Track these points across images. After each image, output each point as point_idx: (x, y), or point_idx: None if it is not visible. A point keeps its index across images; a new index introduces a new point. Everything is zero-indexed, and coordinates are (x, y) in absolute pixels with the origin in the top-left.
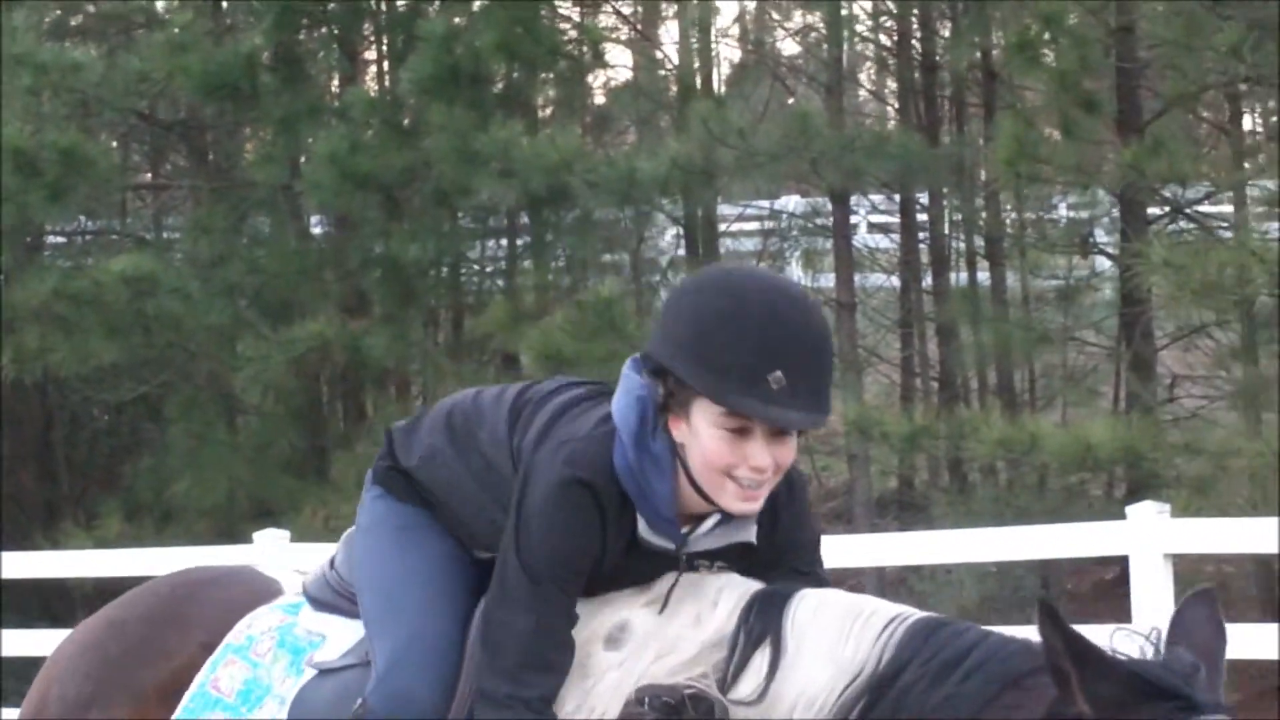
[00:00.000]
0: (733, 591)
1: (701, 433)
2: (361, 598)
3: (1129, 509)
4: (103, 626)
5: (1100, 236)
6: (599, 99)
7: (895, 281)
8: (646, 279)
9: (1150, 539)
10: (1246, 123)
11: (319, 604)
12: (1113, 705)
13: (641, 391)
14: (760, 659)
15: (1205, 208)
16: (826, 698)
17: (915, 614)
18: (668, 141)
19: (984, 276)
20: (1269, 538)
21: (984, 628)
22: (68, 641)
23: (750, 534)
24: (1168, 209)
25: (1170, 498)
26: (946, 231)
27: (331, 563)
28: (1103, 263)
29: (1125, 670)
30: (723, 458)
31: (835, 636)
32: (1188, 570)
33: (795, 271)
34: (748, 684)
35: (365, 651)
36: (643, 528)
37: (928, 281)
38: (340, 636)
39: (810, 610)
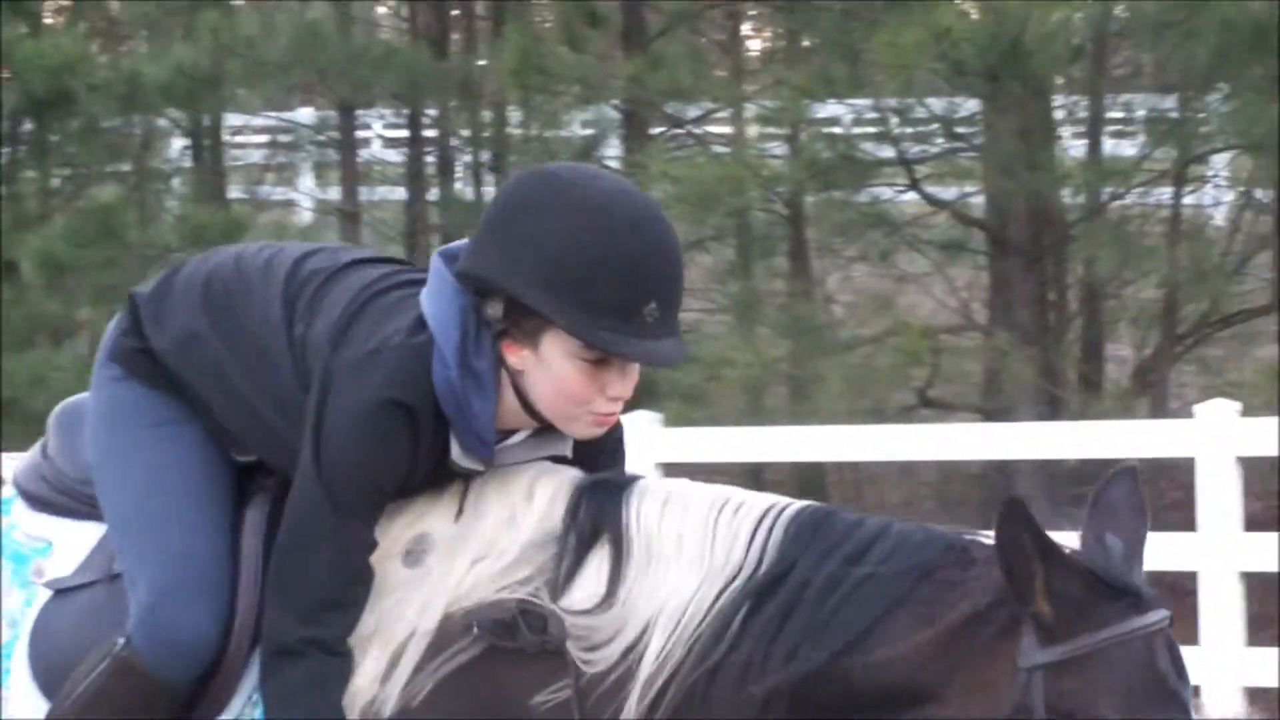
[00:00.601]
0: (549, 481)
1: (555, 365)
2: (107, 504)
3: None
4: None
5: (606, 151)
6: (112, 4)
7: (402, 193)
8: (151, 188)
9: (642, 447)
10: (748, 43)
11: (34, 501)
12: (1072, 605)
13: (463, 301)
14: (598, 560)
15: (708, 126)
16: (695, 610)
17: (793, 503)
18: (174, 48)
19: (490, 190)
20: (759, 447)
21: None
22: None
23: (566, 446)
24: (670, 124)
25: (664, 408)
26: (454, 144)
27: (44, 449)
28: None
29: (1083, 568)
30: (583, 391)
31: (698, 534)
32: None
33: (306, 182)
34: (584, 589)
35: (107, 565)
36: (456, 451)
37: (435, 194)
38: (68, 544)
39: (658, 502)
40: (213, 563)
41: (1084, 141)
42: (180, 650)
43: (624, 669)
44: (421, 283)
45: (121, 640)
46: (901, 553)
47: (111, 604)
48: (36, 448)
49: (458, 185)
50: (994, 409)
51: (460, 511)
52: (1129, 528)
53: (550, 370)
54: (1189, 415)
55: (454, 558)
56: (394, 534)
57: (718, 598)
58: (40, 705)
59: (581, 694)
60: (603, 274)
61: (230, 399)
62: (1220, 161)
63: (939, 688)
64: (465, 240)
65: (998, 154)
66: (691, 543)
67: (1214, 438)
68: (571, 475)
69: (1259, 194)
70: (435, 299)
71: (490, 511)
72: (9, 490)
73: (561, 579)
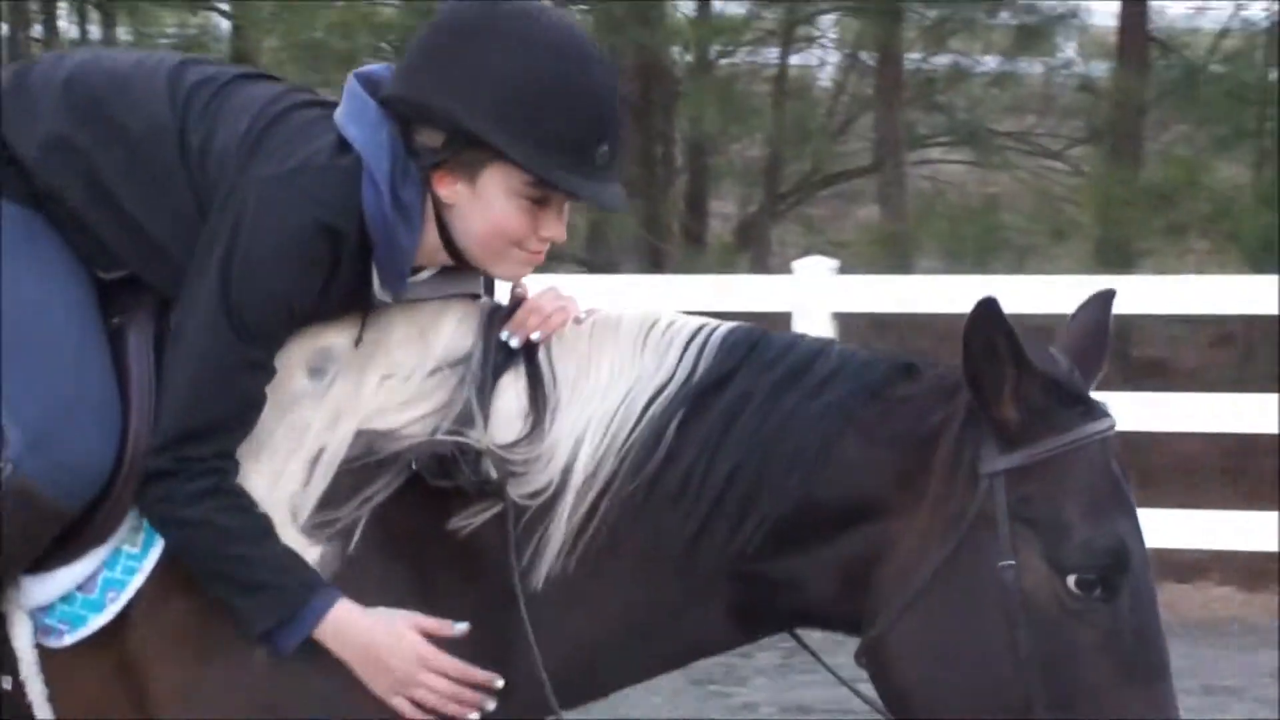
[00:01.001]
0: (459, 306)
1: (495, 201)
2: None
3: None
4: None
5: None
6: None
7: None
8: None
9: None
10: None
11: None
12: (1036, 411)
13: (389, 128)
14: (514, 384)
15: None
16: (624, 417)
17: (726, 324)
18: None
19: (96, 30)
20: None
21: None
22: None
23: (477, 284)
24: None
25: None
26: None
27: None
28: (220, 21)
29: (1046, 375)
30: (520, 228)
31: (623, 348)
32: None
33: None
34: (506, 417)
35: None
36: (376, 283)
37: (39, 30)
38: None
39: (581, 324)
40: (103, 383)
41: None
42: (76, 473)
43: (554, 488)
44: (322, 105)
45: (7, 466)
46: (848, 370)
47: None
48: None
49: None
50: (598, 261)
51: (363, 326)
52: (1085, 346)
53: (487, 206)
54: (788, 271)
55: (361, 373)
56: (295, 344)
57: (648, 405)
58: None
59: (513, 518)
60: (559, 110)
61: (109, 213)
62: (827, 22)
63: (899, 501)
64: (382, 64)
65: (607, 9)
66: (618, 356)
67: (811, 293)
68: (484, 301)
69: (864, 56)
70: (358, 122)
71: (397, 328)
72: None
73: (476, 407)
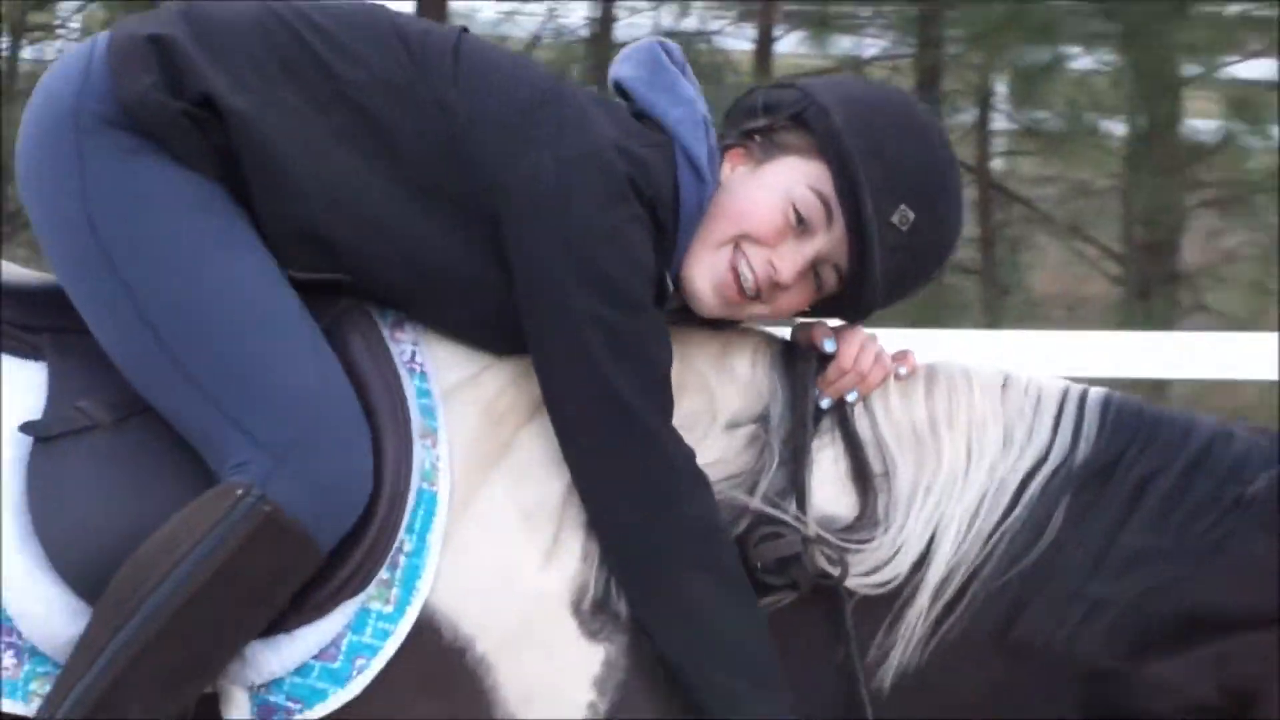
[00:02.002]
0: (741, 339)
1: (771, 186)
2: (145, 331)
3: None
4: None
5: None
6: None
7: None
8: None
9: None
10: None
11: None
12: None
13: (704, 109)
14: (828, 445)
15: None
16: (995, 498)
17: (1095, 389)
18: None
19: None
20: None
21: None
22: None
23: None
24: None
25: None
26: None
27: None
28: None
29: None
30: (766, 224)
31: (978, 413)
32: None
33: None
34: (829, 496)
35: (92, 405)
36: (668, 279)
37: None
38: (18, 380)
39: (914, 378)
40: (346, 392)
41: None
42: (334, 496)
43: (902, 580)
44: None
45: (253, 496)
46: (1255, 458)
47: (133, 456)
48: None
49: None
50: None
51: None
52: None
53: (756, 187)
54: None
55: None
56: (513, 394)
57: (1024, 484)
58: (54, 590)
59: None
60: (904, 155)
61: (339, 186)
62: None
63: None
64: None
65: None
66: (973, 423)
67: None
68: (772, 338)
69: None
70: (671, 101)
71: (687, 385)
72: None
73: (789, 479)
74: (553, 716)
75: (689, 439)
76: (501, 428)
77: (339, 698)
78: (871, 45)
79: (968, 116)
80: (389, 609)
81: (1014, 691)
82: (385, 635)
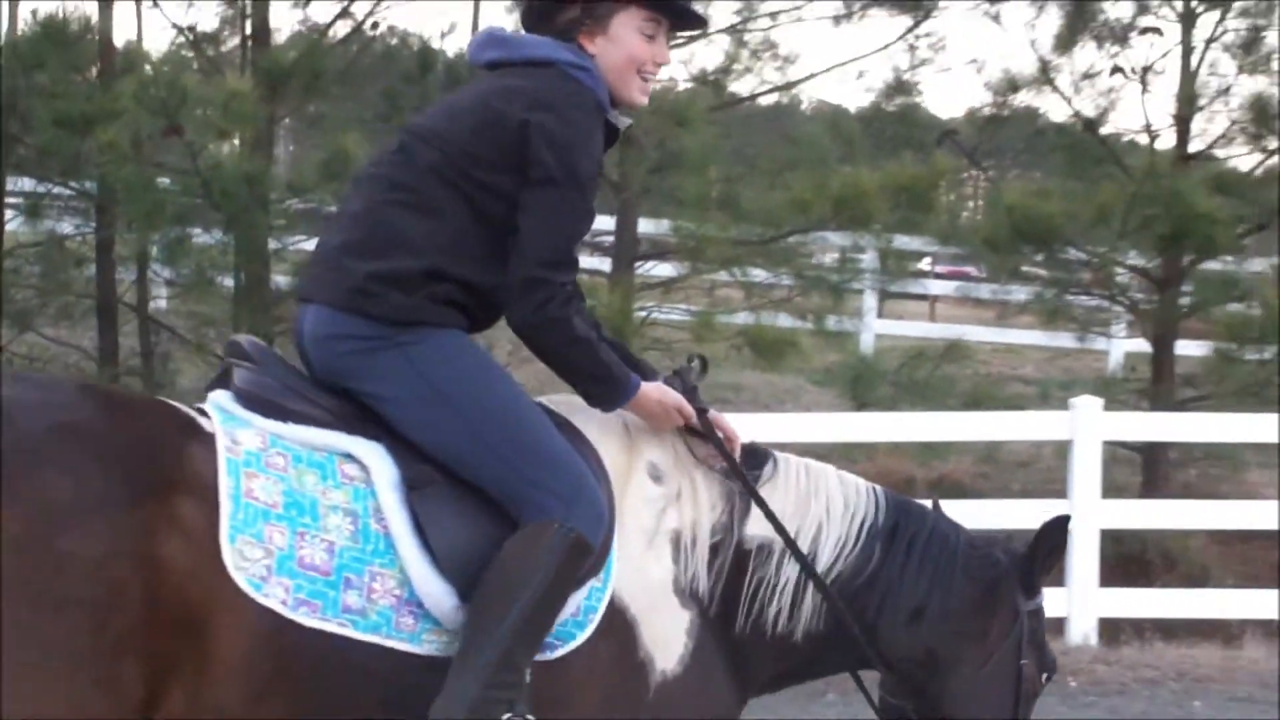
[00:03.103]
0: (635, 427)
1: (625, 38)
2: (481, 426)
3: None
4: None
5: None
6: None
7: None
8: None
9: None
10: None
11: (280, 412)
12: (1036, 579)
13: (551, 40)
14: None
15: None
16: (848, 535)
17: (866, 483)
18: None
19: None
20: None
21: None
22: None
23: (624, 121)
24: None
25: None
26: None
27: (283, 368)
28: None
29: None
30: (643, 55)
31: (833, 486)
32: None
33: None
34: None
35: (424, 469)
36: (612, 116)
37: None
38: (365, 452)
39: (792, 461)
40: (581, 463)
41: None
42: (602, 519)
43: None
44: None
45: (564, 528)
46: (952, 536)
47: (471, 499)
48: (266, 371)
49: None
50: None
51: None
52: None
53: (622, 44)
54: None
55: (679, 484)
56: (626, 458)
57: (859, 533)
58: (446, 587)
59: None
60: None
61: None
62: None
63: (983, 622)
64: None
65: None
66: (828, 494)
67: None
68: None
69: None
70: (534, 45)
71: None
72: (236, 408)
73: (743, 507)
74: (669, 652)
75: (704, 492)
76: (629, 477)
77: (580, 639)
78: None
79: None
80: (599, 585)
81: (840, 640)
82: (600, 599)
